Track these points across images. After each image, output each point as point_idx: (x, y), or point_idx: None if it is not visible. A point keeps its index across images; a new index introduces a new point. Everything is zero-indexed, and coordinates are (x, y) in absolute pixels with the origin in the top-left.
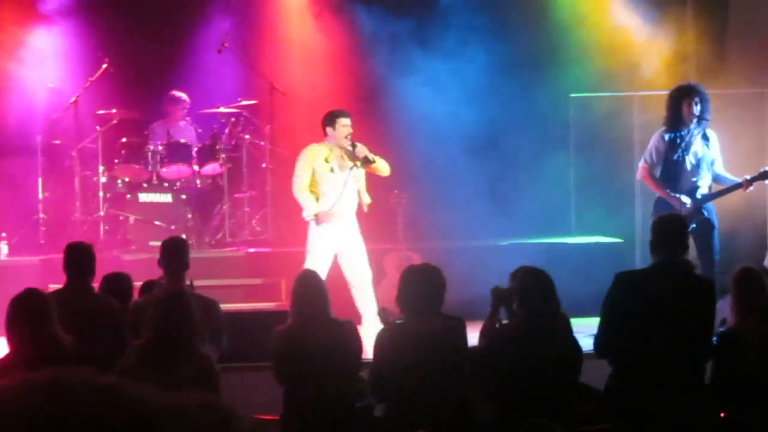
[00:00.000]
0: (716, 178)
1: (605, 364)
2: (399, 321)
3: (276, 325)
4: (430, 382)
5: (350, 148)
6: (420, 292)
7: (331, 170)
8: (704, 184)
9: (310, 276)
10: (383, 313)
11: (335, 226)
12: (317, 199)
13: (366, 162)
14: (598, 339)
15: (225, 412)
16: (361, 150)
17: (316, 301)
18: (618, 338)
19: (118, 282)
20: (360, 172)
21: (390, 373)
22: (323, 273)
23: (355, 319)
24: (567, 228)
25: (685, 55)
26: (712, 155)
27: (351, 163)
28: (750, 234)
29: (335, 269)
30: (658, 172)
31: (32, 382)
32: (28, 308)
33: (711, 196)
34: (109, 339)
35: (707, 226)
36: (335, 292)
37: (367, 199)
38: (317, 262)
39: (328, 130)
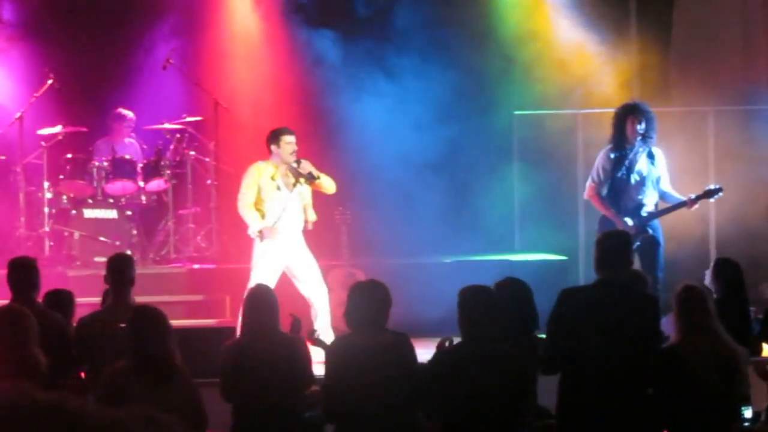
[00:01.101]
0: (663, 196)
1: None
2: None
3: (221, 341)
4: (378, 397)
5: (295, 164)
6: (368, 308)
7: (277, 188)
8: (650, 202)
9: (262, 291)
10: (313, 334)
11: (280, 243)
12: (262, 216)
13: (310, 178)
14: (544, 356)
15: (168, 428)
16: (306, 166)
17: (267, 316)
18: (563, 354)
19: (59, 298)
20: (305, 189)
21: (339, 388)
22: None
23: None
24: (511, 245)
25: (630, 74)
26: (657, 173)
27: (295, 180)
28: (692, 252)
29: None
30: (604, 191)
31: None
32: (11, 325)
33: (656, 214)
34: (54, 354)
35: (652, 243)
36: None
37: (312, 216)
38: (262, 279)
39: (273, 147)
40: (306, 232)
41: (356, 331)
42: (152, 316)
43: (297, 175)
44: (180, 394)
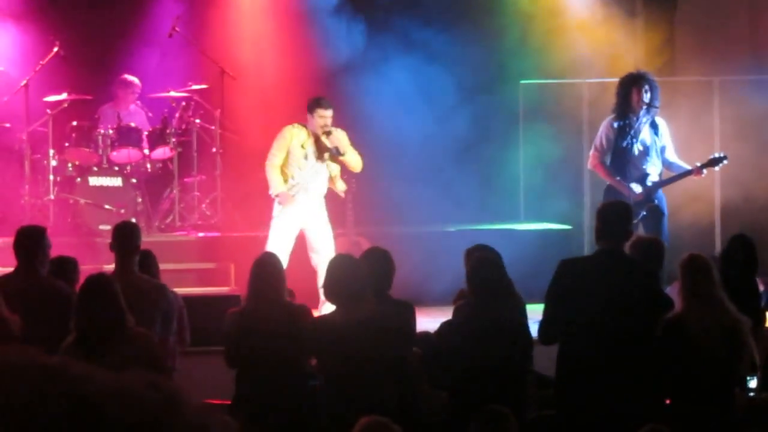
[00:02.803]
0: (668, 165)
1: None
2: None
3: (226, 310)
4: (374, 368)
5: (324, 136)
6: (347, 281)
7: (305, 156)
8: (654, 172)
9: (269, 258)
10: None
11: (299, 207)
12: (285, 180)
13: (335, 153)
14: (542, 326)
15: (171, 393)
16: (335, 139)
17: (273, 284)
18: (562, 325)
19: (63, 265)
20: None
21: (333, 364)
22: (284, 251)
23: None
24: (516, 214)
25: (635, 43)
26: (661, 142)
27: (320, 153)
28: (697, 221)
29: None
30: (608, 160)
31: None
32: None
33: (661, 183)
34: (56, 322)
35: (657, 213)
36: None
37: (341, 186)
38: (278, 239)
39: (309, 116)
40: None
41: (338, 306)
42: (93, 284)
43: (323, 148)
44: (132, 357)
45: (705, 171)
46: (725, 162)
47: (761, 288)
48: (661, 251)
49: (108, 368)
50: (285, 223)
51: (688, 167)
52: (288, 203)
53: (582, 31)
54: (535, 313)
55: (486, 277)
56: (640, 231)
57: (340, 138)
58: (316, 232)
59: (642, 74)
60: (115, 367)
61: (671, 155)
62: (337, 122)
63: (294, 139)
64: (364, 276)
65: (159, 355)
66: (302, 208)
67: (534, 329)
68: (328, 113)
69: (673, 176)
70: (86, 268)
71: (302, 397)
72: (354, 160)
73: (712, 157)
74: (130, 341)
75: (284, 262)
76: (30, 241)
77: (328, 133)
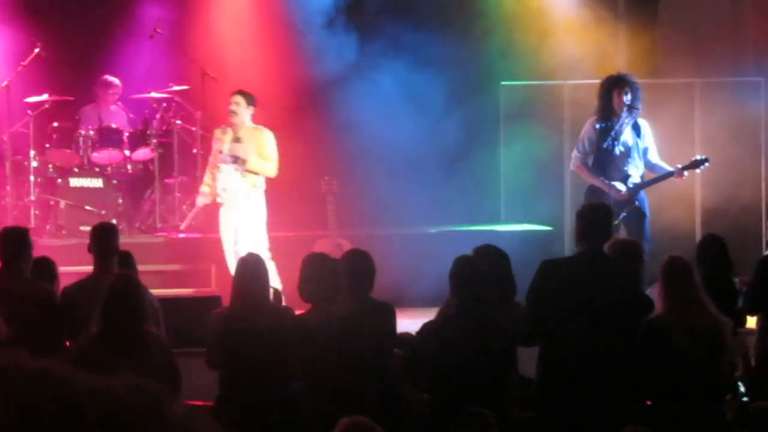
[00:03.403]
0: (651, 167)
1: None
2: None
3: (206, 311)
4: (352, 368)
5: (235, 142)
6: (321, 281)
7: (220, 152)
8: (635, 173)
9: (253, 260)
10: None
11: (224, 207)
12: (214, 181)
13: (232, 162)
14: (524, 326)
15: (156, 396)
16: (238, 148)
17: (257, 286)
18: (543, 325)
19: (42, 266)
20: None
21: (314, 364)
22: (228, 252)
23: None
24: (497, 216)
25: (617, 46)
26: (643, 144)
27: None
28: (678, 223)
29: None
30: (590, 162)
31: None
32: None
33: (642, 185)
34: (42, 324)
35: (638, 214)
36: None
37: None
38: (225, 245)
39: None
40: (293, 202)
41: (313, 305)
42: (122, 287)
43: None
44: (152, 362)
45: (686, 173)
46: (707, 164)
47: (741, 288)
48: (639, 253)
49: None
50: (220, 224)
51: (670, 169)
52: (213, 201)
53: (564, 33)
54: None
55: (466, 278)
56: (622, 232)
57: (246, 149)
58: (238, 231)
59: (622, 76)
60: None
61: (654, 157)
62: (318, 122)
63: (217, 141)
64: (338, 276)
65: (174, 360)
66: (226, 208)
67: None
68: (235, 98)
69: (654, 178)
70: (67, 270)
71: (285, 399)
72: (260, 169)
73: (694, 159)
74: (149, 344)
75: (229, 263)
76: (14, 242)
77: (237, 140)
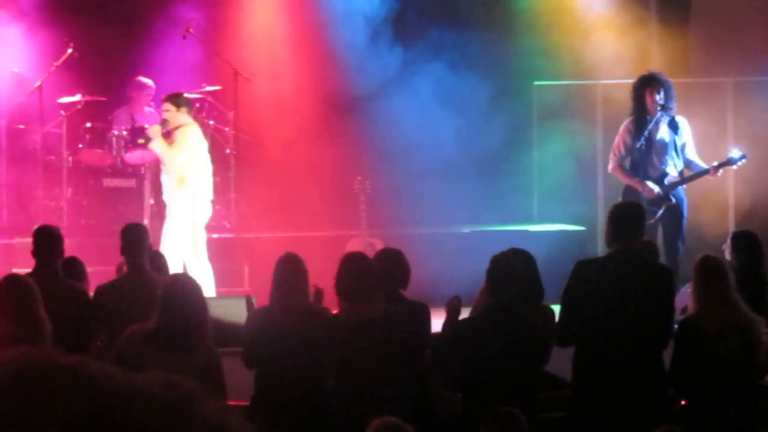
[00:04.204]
0: (688, 164)
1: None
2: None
3: (239, 311)
4: (385, 368)
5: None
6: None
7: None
8: (673, 171)
9: (291, 259)
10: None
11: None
12: None
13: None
14: (560, 328)
15: (188, 393)
16: (151, 130)
17: (296, 284)
18: (578, 326)
19: (72, 266)
20: (178, 149)
21: (342, 364)
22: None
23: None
24: (530, 216)
25: (650, 45)
26: (681, 141)
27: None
28: (712, 222)
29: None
30: (627, 163)
31: None
32: (13, 293)
33: (678, 182)
34: (76, 322)
35: (675, 213)
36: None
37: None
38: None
39: None
40: (326, 202)
41: (348, 303)
42: (185, 285)
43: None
44: (199, 364)
45: (721, 170)
46: (744, 161)
47: None
48: (655, 253)
49: (177, 369)
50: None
51: (706, 166)
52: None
53: (597, 33)
54: None
55: (503, 277)
56: (659, 230)
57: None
58: (167, 225)
59: (654, 76)
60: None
61: (691, 153)
62: (352, 122)
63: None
64: (374, 275)
65: (222, 370)
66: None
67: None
68: (163, 107)
69: (690, 175)
70: (99, 270)
71: (319, 399)
72: (157, 149)
73: (730, 156)
74: (202, 350)
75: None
76: (49, 242)
77: (172, 141)
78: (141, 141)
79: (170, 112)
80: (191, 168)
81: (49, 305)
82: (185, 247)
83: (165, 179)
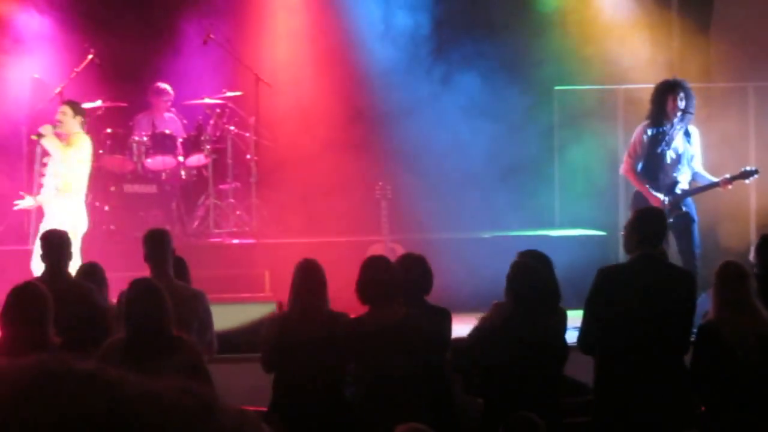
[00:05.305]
0: (694, 175)
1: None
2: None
3: (261, 316)
4: (406, 373)
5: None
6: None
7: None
8: (684, 180)
9: (310, 264)
10: None
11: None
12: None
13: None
14: (583, 334)
15: (207, 399)
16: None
17: (315, 290)
18: (601, 333)
19: (91, 272)
20: (58, 155)
21: (365, 368)
22: None
23: (348, 309)
24: (551, 221)
25: (671, 50)
26: (692, 151)
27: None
28: (733, 229)
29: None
30: (639, 166)
31: (12, 368)
32: (26, 302)
33: (689, 192)
34: (84, 323)
35: (686, 220)
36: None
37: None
38: None
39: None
40: (347, 207)
41: (370, 307)
42: (144, 289)
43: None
44: (181, 368)
45: (733, 184)
46: (756, 176)
47: None
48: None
49: (154, 375)
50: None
51: (714, 179)
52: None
53: (618, 38)
54: (570, 319)
55: (521, 284)
56: (670, 238)
57: (46, 127)
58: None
59: (677, 81)
60: (162, 373)
61: (698, 165)
62: (372, 127)
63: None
64: (396, 279)
65: (204, 364)
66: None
67: (570, 336)
68: (60, 109)
69: (700, 186)
70: (120, 276)
71: (339, 405)
72: (50, 146)
73: (743, 170)
74: (177, 349)
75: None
76: (56, 244)
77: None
78: (34, 137)
79: (66, 115)
80: (77, 178)
81: (57, 308)
82: None
83: (47, 181)
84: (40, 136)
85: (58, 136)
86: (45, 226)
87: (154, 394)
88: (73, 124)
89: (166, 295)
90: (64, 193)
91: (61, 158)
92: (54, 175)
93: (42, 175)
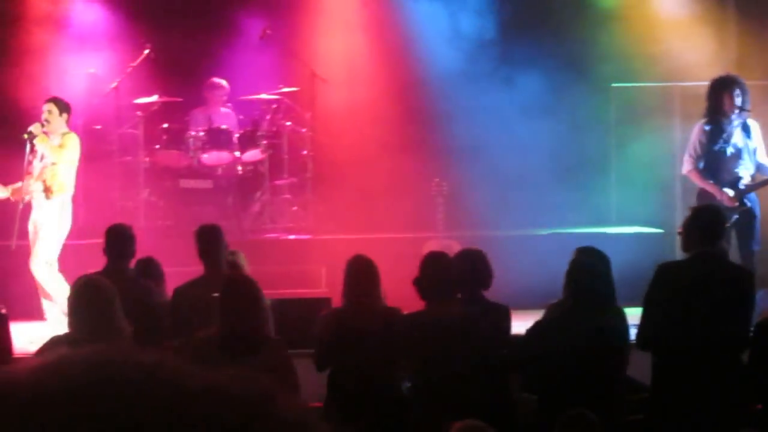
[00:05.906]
0: (759, 168)
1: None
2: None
3: (317, 312)
4: (463, 369)
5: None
6: (439, 278)
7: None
8: (746, 174)
9: (363, 261)
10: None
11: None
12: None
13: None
14: (642, 331)
15: (268, 391)
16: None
17: (368, 286)
18: (660, 330)
19: (148, 266)
20: (47, 152)
21: (421, 362)
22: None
23: (403, 305)
24: (608, 218)
25: (727, 46)
26: (753, 145)
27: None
28: None
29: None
30: (701, 165)
31: (74, 358)
32: (90, 293)
33: (753, 187)
34: (144, 320)
35: (749, 216)
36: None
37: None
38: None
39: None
40: (403, 204)
41: (428, 302)
42: (241, 287)
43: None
44: (268, 366)
45: None
46: None
47: None
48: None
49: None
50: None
51: None
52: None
53: (675, 35)
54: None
55: (581, 281)
56: (732, 235)
57: (36, 126)
58: (35, 232)
59: (733, 78)
60: (254, 369)
61: (762, 157)
62: (430, 124)
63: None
64: (455, 275)
65: (290, 362)
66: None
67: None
68: (44, 107)
69: (764, 180)
70: (176, 271)
71: (395, 401)
72: (43, 146)
73: None
74: (269, 349)
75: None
76: (119, 240)
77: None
78: (25, 136)
79: (52, 114)
80: (68, 178)
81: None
82: (41, 255)
83: (33, 182)
84: (31, 135)
85: (48, 134)
86: (36, 224)
87: (216, 386)
88: (59, 122)
89: (262, 294)
90: (58, 194)
91: (55, 160)
92: (44, 176)
93: (28, 173)
